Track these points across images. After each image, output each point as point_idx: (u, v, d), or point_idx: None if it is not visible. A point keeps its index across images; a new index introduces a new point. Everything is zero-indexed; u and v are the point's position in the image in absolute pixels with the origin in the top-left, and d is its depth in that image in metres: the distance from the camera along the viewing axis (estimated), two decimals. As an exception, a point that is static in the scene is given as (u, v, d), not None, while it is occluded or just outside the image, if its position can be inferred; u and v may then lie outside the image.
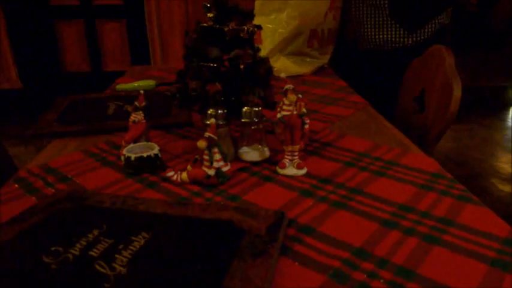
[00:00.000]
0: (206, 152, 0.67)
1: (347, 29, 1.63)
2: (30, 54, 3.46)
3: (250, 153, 0.77)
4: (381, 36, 1.48)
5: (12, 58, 3.42)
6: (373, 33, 1.50)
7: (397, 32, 1.46)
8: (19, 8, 3.34)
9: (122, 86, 1.34)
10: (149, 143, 0.78)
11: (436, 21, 1.45)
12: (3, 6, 3.30)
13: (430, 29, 1.45)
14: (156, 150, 0.74)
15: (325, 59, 1.57)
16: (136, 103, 0.80)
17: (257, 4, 1.46)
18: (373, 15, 1.48)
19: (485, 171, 2.50)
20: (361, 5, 1.51)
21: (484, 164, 2.60)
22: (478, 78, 3.60)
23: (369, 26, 1.50)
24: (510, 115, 3.47)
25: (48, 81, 3.52)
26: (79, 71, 3.58)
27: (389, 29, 1.46)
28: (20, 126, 2.83)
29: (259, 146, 0.78)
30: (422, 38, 1.45)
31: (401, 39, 1.46)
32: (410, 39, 1.46)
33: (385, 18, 1.46)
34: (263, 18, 1.44)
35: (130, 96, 1.15)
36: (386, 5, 1.44)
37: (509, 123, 3.28)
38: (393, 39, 1.47)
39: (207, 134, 0.66)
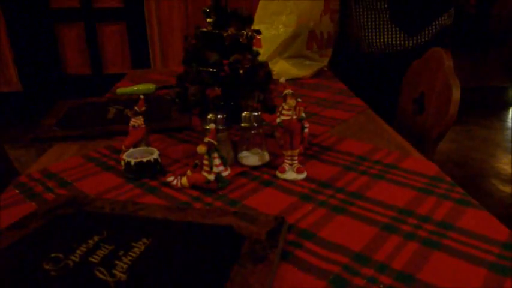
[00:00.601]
0: (206, 156, 0.67)
1: (347, 32, 1.64)
2: (31, 57, 3.46)
3: (250, 158, 0.77)
4: (382, 39, 1.48)
5: (12, 61, 3.43)
6: (373, 37, 1.50)
7: (398, 35, 1.46)
8: (19, 11, 3.35)
9: (122, 89, 1.34)
10: (149, 147, 0.78)
11: (437, 23, 1.45)
12: (3, 9, 3.31)
13: (430, 31, 1.46)
14: (155, 155, 0.74)
15: (324, 62, 1.57)
16: (136, 108, 0.80)
17: (260, 5, 1.46)
18: (373, 19, 1.49)
19: (485, 172, 2.50)
20: (361, 9, 1.51)
21: (484, 164, 2.60)
22: (478, 79, 3.61)
23: (370, 29, 1.50)
24: (510, 116, 3.47)
25: (48, 84, 3.53)
26: (79, 74, 3.59)
27: (389, 33, 1.46)
28: (20, 129, 2.84)
29: (259, 151, 0.78)
30: (423, 40, 1.46)
31: (402, 42, 1.47)
32: (411, 42, 1.46)
33: (385, 22, 1.46)
34: (263, 21, 1.45)
35: (130, 100, 1.15)
36: (386, 9, 1.44)
37: (509, 124, 3.28)
38: (394, 43, 1.47)
39: (206, 139, 0.66)
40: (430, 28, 1.45)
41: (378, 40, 1.49)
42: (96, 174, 0.76)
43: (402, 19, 1.44)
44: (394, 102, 1.36)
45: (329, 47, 1.57)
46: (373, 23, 1.49)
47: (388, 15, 1.45)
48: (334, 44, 1.59)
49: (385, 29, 1.47)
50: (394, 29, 1.46)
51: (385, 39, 1.48)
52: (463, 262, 0.50)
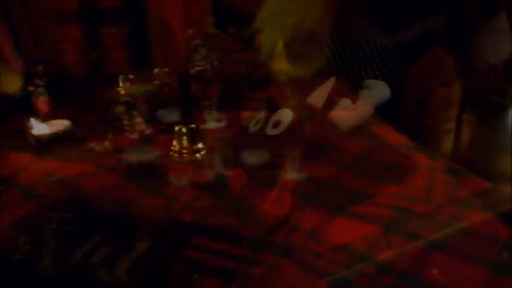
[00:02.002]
0: (125, 116, 0.66)
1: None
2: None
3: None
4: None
5: (13, 61, 3.43)
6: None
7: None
8: (20, 11, 3.35)
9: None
10: (62, 120, 0.78)
11: (415, 27, 1.44)
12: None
13: (407, 34, 1.44)
14: (68, 125, 0.75)
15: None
16: (36, 80, 0.78)
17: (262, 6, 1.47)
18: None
19: (486, 172, 2.50)
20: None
21: (485, 165, 2.59)
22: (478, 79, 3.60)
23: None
24: (511, 116, 3.46)
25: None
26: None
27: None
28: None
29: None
30: (400, 39, 1.44)
31: (376, 38, 1.46)
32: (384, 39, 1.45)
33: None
34: (263, 21, 1.45)
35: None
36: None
37: (510, 125, 3.27)
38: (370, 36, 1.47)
39: (123, 99, 0.65)
40: (405, 30, 1.43)
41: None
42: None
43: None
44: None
45: (328, 45, 1.57)
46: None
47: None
48: (332, 41, 1.59)
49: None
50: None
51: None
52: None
